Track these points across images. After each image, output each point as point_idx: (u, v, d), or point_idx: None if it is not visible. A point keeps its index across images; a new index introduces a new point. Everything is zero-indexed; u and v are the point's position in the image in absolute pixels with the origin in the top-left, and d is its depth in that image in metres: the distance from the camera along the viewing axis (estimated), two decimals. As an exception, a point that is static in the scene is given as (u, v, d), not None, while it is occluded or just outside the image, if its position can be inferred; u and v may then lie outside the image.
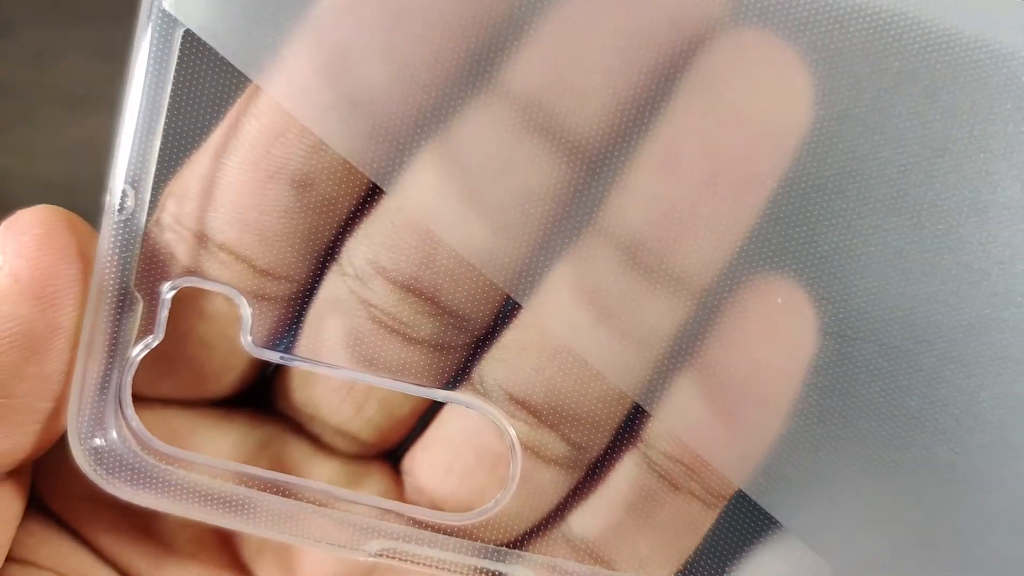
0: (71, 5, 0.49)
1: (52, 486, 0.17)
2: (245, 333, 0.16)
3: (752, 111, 0.14)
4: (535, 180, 0.15)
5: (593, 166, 0.15)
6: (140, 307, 0.15)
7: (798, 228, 0.15)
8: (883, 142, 0.14)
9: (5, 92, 0.48)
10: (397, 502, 0.16)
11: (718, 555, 0.16)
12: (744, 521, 0.16)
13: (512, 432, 0.16)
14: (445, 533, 0.16)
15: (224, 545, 0.18)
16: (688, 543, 0.16)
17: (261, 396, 0.18)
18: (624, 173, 0.15)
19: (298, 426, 0.17)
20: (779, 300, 0.15)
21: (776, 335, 0.15)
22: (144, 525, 0.18)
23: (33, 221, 0.15)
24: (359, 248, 0.16)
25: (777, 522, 0.15)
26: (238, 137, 0.15)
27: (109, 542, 0.18)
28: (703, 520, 0.16)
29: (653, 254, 0.15)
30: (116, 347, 0.15)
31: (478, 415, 0.16)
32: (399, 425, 0.17)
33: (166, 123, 0.15)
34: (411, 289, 0.16)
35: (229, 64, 0.15)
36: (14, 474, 0.16)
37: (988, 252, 0.14)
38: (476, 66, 0.15)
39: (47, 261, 0.15)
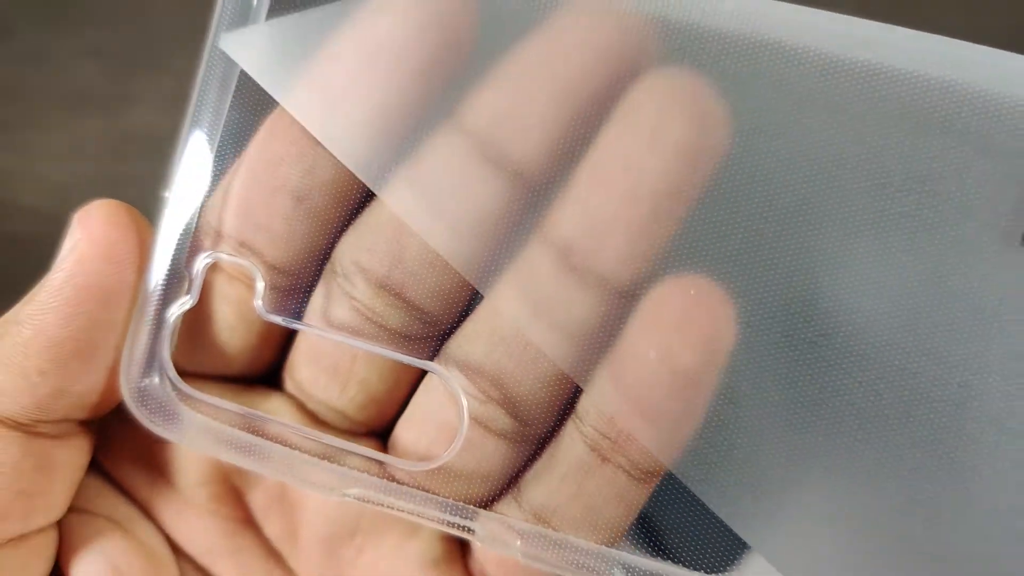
0: (71, 7, 0.51)
1: (106, 447, 0.21)
2: (257, 299, 0.19)
3: (669, 136, 0.17)
4: (487, 198, 0.18)
5: (535, 186, 0.18)
6: (184, 280, 0.20)
7: (715, 234, 0.17)
8: (789, 157, 0.17)
9: (5, 93, 0.50)
10: (362, 447, 0.20)
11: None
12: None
13: (462, 396, 0.19)
14: (400, 478, 0.20)
15: (238, 502, 0.22)
16: (618, 513, 0.19)
17: (275, 378, 0.22)
18: (561, 191, 0.18)
19: (301, 404, 0.21)
20: (692, 292, 0.17)
21: (689, 327, 0.17)
22: (172, 483, 0.21)
23: (101, 205, 0.19)
24: (346, 250, 0.19)
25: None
26: (255, 156, 0.19)
27: (145, 496, 0.21)
28: (631, 493, 0.19)
29: (581, 257, 0.18)
30: (162, 308, 0.19)
31: (441, 396, 0.19)
32: (379, 403, 0.20)
33: (221, 137, 0.20)
34: (383, 286, 0.19)
35: (264, 94, 0.19)
36: (84, 427, 0.20)
37: (885, 257, 0.17)
38: (439, 103, 0.18)
39: (115, 232, 0.19)
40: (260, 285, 0.19)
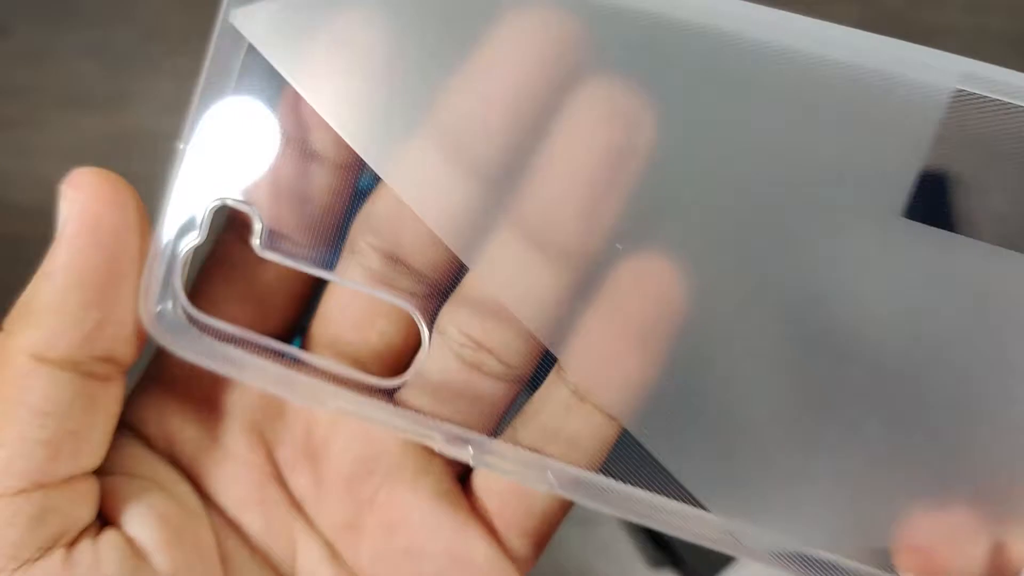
0: (71, 5, 0.52)
1: (143, 414, 0.24)
2: (255, 238, 0.22)
3: (601, 135, 0.20)
4: (456, 193, 0.21)
5: (495, 179, 0.21)
6: (196, 222, 0.22)
7: (655, 210, 0.20)
8: (714, 142, 0.20)
9: (5, 92, 0.51)
10: (346, 367, 0.22)
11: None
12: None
13: (423, 324, 0.22)
14: (377, 393, 0.22)
15: (268, 459, 0.24)
16: (595, 445, 0.22)
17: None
18: (520, 183, 0.21)
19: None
20: (643, 266, 0.20)
21: (641, 296, 0.21)
22: (210, 442, 0.24)
23: (88, 171, 0.21)
24: (360, 231, 0.22)
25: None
26: (261, 123, 0.22)
27: (184, 457, 0.24)
28: (605, 429, 0.22)
29: (539, 237, 0.21)
30: (174, 245, 0.22)
31: (441, 350, 0.22)
32: (396, 353, 0.23)
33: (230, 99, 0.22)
34: (390, 257, 0.22)
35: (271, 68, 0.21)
36: (119, 375, 0.22)
37: (784, 232, 0.19)
38: (424, 97, 0.21)
39: (107, 186, 0.21)
40: (258, 226, 0.22)
